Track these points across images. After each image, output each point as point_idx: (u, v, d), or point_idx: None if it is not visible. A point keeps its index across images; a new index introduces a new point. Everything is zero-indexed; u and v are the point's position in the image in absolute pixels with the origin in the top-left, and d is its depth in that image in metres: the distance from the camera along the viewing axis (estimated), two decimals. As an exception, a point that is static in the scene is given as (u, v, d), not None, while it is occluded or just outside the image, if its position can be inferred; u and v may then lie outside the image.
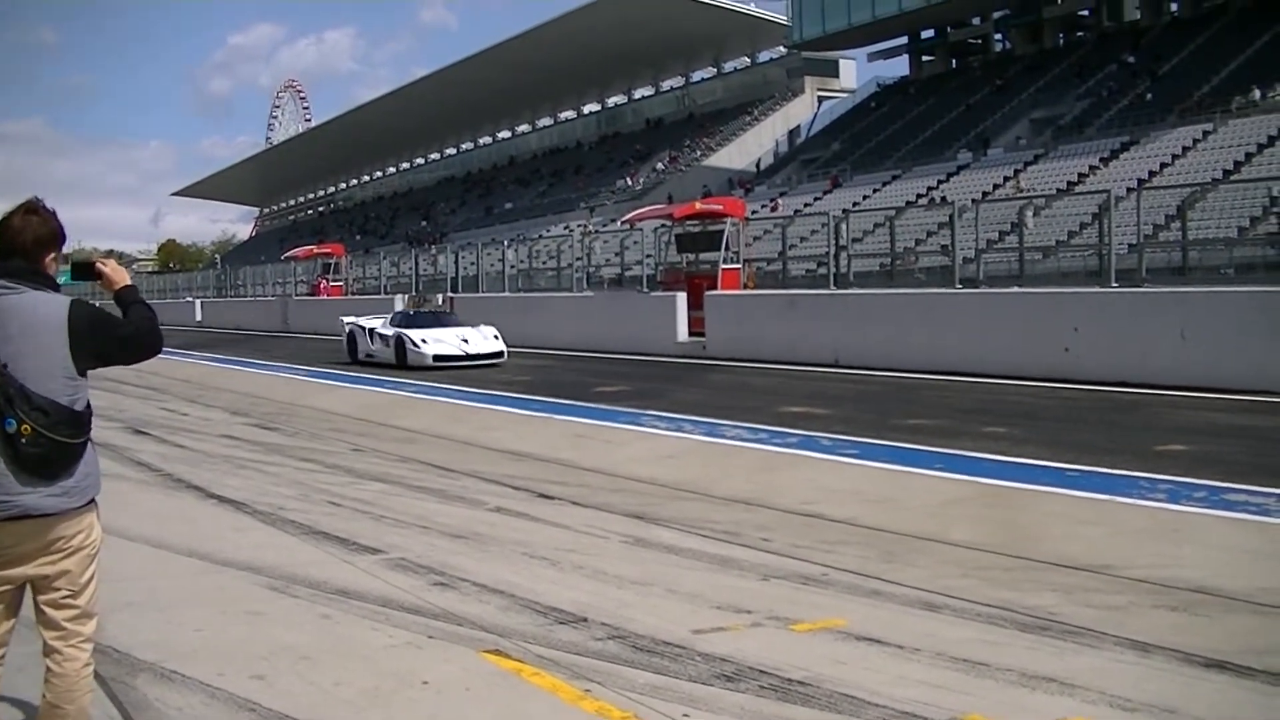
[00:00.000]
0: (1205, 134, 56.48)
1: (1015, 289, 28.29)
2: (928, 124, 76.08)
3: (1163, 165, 54.97)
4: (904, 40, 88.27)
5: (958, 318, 25.71)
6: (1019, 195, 50.87)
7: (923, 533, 10.75)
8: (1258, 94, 57.21)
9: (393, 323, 33.86)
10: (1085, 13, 79.97)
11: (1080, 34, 79.99)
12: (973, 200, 38.88)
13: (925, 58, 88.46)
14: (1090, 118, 65.79)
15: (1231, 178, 49.05)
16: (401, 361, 31.66)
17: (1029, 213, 35.52)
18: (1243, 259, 34.43)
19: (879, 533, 10.88)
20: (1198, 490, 11.61)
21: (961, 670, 7.04)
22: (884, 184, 68.89)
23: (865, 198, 66.19)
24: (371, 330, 34.16)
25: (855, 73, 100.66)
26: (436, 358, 31.03)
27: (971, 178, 63.78)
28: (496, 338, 32.38)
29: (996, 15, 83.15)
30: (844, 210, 45.97)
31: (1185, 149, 56.00)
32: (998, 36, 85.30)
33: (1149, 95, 64.15)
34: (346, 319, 36.44)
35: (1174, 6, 73.92)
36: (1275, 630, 7.76)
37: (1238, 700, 6.57)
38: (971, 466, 13.34)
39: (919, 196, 62.45)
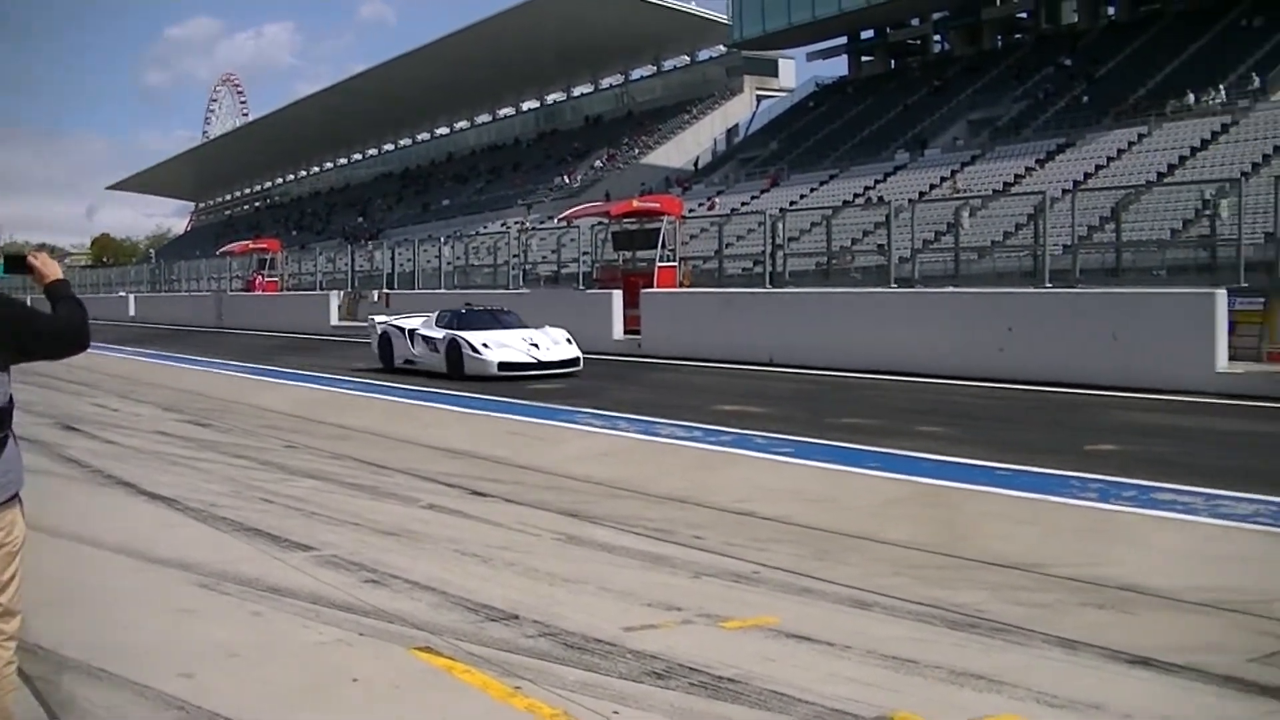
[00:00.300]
0: (1140, 137, 57.06)
1: (950, 289, 28.42)
2: (866, 124, 76.42)
3: (1098, 167, 55.46)
4: (843, 40, 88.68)
5: (893, 317, 25.82)
6: (955, 195, 51.13)
7: (856, 531, 10.79)
8: (1192, 98, 57.84)
9: (440, 323, 28.30)
10: (1024, 15, 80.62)
11: (1018, 36, 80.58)
12: (909, 200, 39.13)
13: (864, 58, 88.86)
14: (1027, 119, 66.27)
15: (1165, 180, 49.52)
16: (455, 370, 26.42)
17: (965, 213, 35.66)
18: (1175, 261, 34.70)
19: (812, 531, 10.91)
20: (1127, 489, 11.70)
21: (891, 668, 7.07)
22: (821, 183, 69.11)
23: (802, 197, 66.40)
24: (412, 331, 28.70)
25: (794, 72, 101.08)
26: (502, 366, 25.98)
27: (909, 178, 64.09)
28: (569, 341, 27.22)
29: (936, 17, 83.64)
30: (781, 209, 46.17)
31: (1120, 151, 56.53)
32: (936, 38, 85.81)
33: (1085, 98, 64.73)
34: (378, 318, 31.11)
35: (1111, 10, 74.62)
36: (1199, 627, 7.84)
37: (1161, 696, 6.63)
38: (906, 466, 13.39)
39: (856, 196, 62.69)
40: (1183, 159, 53.02)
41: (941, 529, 10.68)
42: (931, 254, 35.82)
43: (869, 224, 45.62)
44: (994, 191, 53.92)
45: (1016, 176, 58.34)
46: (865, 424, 17.45)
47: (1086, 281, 25.91)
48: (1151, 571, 9.14)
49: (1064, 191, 39.04)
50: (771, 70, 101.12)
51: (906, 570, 9.42)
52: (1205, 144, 53.64)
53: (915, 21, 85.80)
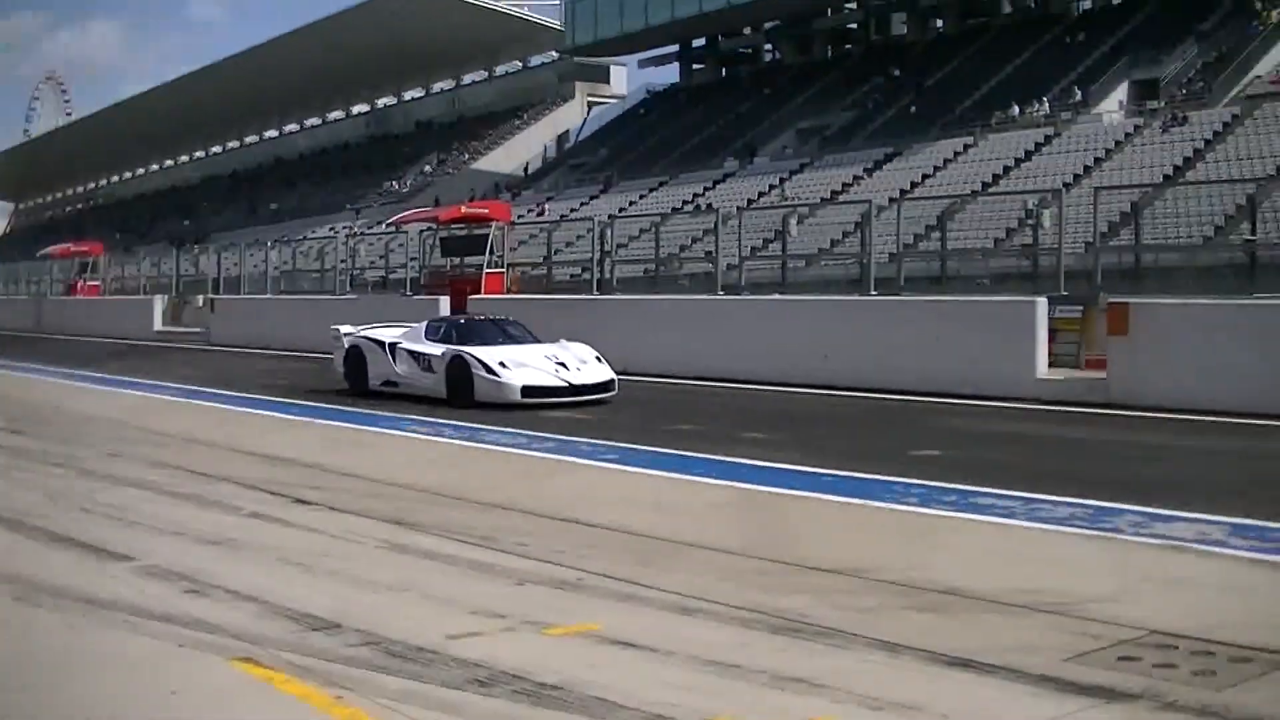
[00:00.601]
0: (966, 147, 58.13)
1: (776, 296, 28.66)
2: (696, 131, 76.80)
3: (924, 177, 56.35)
4: (676, 48, 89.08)
5: (720, 324, 25.97)
6: (784, 203, 51.60)
7: (680, 537, 10.83)
8: (1017, 110, 59.16)
9: (433, 335, 23.28)
10: (854, 26, 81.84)
11: (848, 47, 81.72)
12: (738, 207, 39.36)
13: (696, 66, 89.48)
14: (856, 129, 67.18)
15: (989, 190, 50.47)
16: (460, 396, 21.39)
17: (793, 221, 35.96)
18: (998, 269, 35.34)
19: (636, 537, 10.93)
20: (949, 494, 11.89)
21: (713, 672, 7.11)
22: (651, 190, 69.31)
23: (632, 203, 66.58)
24: (394, 346, 23.40)
25: (626, 79, 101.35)
26: (527, 391, 20.99)
27: (738, 185, 64.51)
28: (600, 360, 22.26)
29: (768, 26, 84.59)
30: (610, 216, 46.16)
31: (946, 161, 57.52)
32: (768, 47, 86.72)
33: (913, 108, 65.78)
34: (344, 328, 24.96)
35: (939, 23, 76.02)
36: (1017, 628, 7.99)
37: (980, 696, 6.75)
38: (731, 471, 13.49)
39: (685, 203, 62.96)
40: (1007, 169, 54.10)
41: (765, 534, 10.77)
42: (759, 261, 36.08)
43: (698, 231, 45.92)
44: (822, 199, 54.49)
45: (844, 185, 59.03)
46: (692, 430, 17.53)
47: (911, 289, 26.26)
48: (971, 574, 9.29)
49: (890, 200, 39.54)
50: (604, 77, 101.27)
51: (730, 576, 9.48)
52: (1029, 155, 54.81)
53: (747, 30, 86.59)
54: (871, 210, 28.09)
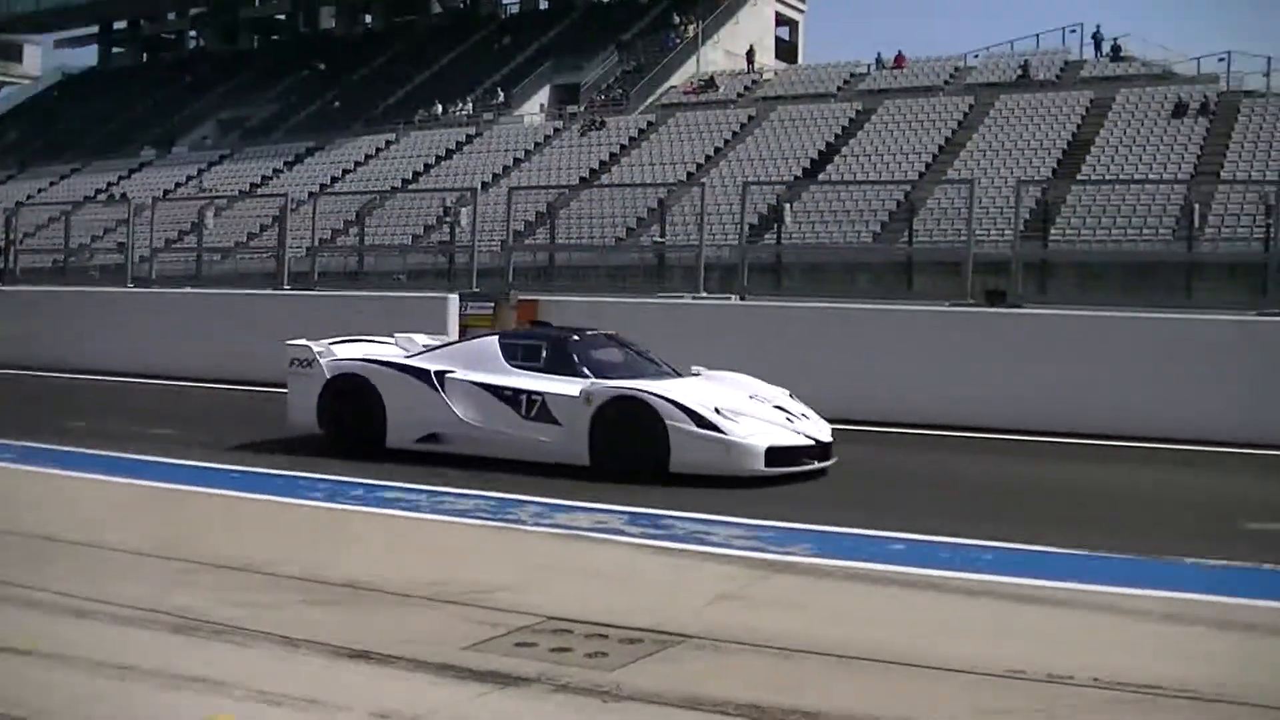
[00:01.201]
0: (388, 143, 58.74)
1: (189, 289, 28.06)
2: (113, 118, 74.43)
3: (345, 172, 56.63)
4: (95, 29, 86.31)
5: (130, 317, 25.27)
6: (201, 195, 50.81)
7: (77, 538, 10.42)
8: (440, 109, 60.15)
9: (521, 358, 14.42)
10: (282, 17, 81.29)
11: (275, 38, 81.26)
12: (153, 198, 38.40)
13: (116, 49, 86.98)
14: (278, 121, 66.74)
15: (409, 187, 51.04)
16: (622, 459, 13.24)
17: (209, 213, 35.46)
18: (416, 266, 35.75)
19: (29, 539, 10.43)
20: (355, 489, 12.03)
21: (107, 676, 6.88)
22: (63, 177, 66.55)
23: (41, 190, 63.80)
24: (443, 375, 14.48)
25: (40, 59, 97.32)
26: (772, 456, 13.24)
27: (154, 175, 62.96)
28: (792, 397, 14.39)
29: (193, 12, 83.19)
30: (17, 203, 44.23)
31: (368, 157, 58.05)
32: (192, 33, 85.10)
33: (337, 103, 65.84)
34: (315, 346, 15.80)
35: (368, 19, 76.51)
36: (421, 619, 8.08)
37: (378, 687, 6.78)
38: (134, 469, 13.26)
39: (99, 192, 61.00)
40: (428, 167, 54.98)
41: (167, 532, 10.58)
42: (173, 254, 35.37)
43: (111, 221, 44.61)
44: (240, 192, 53.93)
45: (264, 178, 58.70)
46: (94, 427, 17.03)
47: (327, 284, 26.23)
48: (376, 567, 9.41)
49: (310, 194, 39.46)
50: (16, 56, 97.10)
51: (130, 575, 9.20)
52: (450, 154, 55.91)
53: (172, 16, 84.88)
54: (288, 204, 27.92)
